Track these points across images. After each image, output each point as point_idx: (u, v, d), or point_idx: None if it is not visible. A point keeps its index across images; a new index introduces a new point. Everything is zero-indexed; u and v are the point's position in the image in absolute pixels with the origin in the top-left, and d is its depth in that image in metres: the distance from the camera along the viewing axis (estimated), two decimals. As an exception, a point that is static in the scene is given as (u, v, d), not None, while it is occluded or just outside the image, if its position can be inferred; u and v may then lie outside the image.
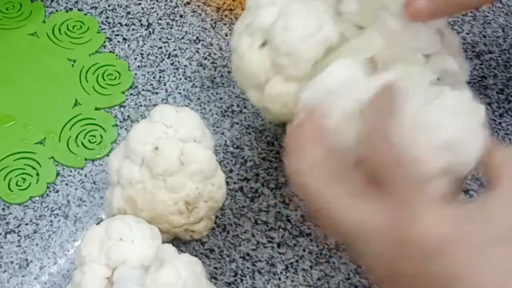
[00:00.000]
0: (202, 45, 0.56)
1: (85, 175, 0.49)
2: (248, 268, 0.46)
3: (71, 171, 0.49)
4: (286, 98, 0.41)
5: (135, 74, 0.54)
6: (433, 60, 0.39)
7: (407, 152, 0.31)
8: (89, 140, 0.50)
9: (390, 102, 0.32)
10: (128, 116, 0.52)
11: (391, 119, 0.31)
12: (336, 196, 0.31)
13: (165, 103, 0.53)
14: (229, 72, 0.55)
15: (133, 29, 0.57)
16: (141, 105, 0.53)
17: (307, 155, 0.32)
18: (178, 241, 0.45)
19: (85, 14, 0.58)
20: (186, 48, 0.56)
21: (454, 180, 0.32)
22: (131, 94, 0.53)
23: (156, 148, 0.41)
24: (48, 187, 0.48)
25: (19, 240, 0.46)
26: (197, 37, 0.57)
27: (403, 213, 0.29)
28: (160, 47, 0.56)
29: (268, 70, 0.41)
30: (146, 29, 0.57)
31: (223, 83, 0.54)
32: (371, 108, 0.32)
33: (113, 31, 0.57)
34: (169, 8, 0.59)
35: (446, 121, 0.32)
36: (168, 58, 0.56)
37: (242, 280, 0.45)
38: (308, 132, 0.33)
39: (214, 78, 0.55)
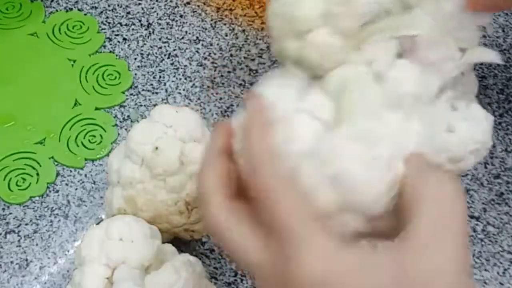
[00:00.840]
0: (202, 45, 0.56)
1: (85, 175, 0.49)
2: (248, 268, 0.46)
3: (71, 171, 0.49)
4: (329, 49, 0.39)
5: (135, 74, 0.54)
6: (468, 53, 0.38)
7: (291, 183, 0.27)
8: (89, 140, 0.50)
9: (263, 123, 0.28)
10: (128, 116, 0.52)
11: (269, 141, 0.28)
12: (226, 227, 0.28)
13: (165, 103, 0.53)
14: (229, 72, 0.55)
15: (133, 29, 0.57)
16: (141, 105, 0.53)
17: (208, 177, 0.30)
18: (178, 241, 0.45)
19: (85, 14, 0.58)
20: (186, 48, 0.56)
21: (364, 219, 0.28)
22: (131, 94, 0.53)
23: (156, 148, 0.41)
24: (48, 187, 0.48)
25: (19, 240, 0.46)
26: (197, 37, 0.57)
27: (285, 252, 0.26)
28: (160, 47, 0.56)
29: (317, 18, 0.40)
30: (146, 29, 0.57)
31: (223, 83, 0.54)
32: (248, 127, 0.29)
33: (113, 31, 0.57)
34: (169, 8, 0.59)
35: (340, 152, 0.28)
36: (168, 58, 0.56)
37: (242, 280, 0.45)
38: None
39: (214, 78, 0.54)
